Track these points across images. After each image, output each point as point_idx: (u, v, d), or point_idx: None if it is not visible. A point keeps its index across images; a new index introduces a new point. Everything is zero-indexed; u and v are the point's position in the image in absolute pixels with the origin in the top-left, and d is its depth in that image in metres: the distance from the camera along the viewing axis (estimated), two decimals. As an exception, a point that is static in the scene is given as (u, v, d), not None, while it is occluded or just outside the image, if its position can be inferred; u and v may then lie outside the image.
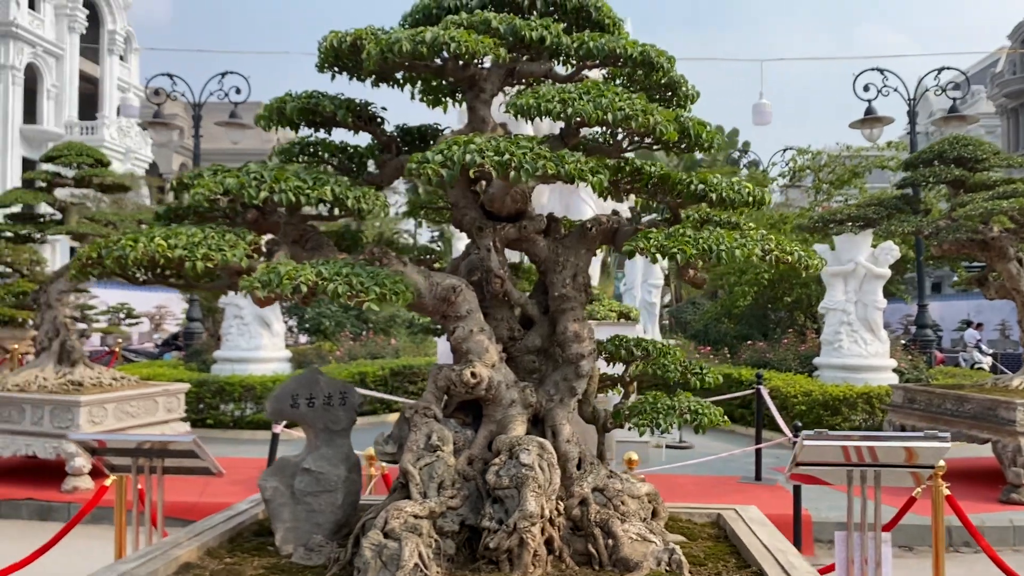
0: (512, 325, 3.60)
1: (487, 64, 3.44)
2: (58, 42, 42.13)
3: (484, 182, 3.37)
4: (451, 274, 3.43)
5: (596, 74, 3.69)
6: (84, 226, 9.69)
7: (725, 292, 21.15)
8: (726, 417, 3.61)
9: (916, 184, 11.47)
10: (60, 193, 10.39)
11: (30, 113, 40.92)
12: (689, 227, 3.14)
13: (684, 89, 3.56)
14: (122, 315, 24.43)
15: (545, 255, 3.54)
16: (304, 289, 2.64)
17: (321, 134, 3.77)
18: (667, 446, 11.91)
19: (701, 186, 3.26)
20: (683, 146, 3.29)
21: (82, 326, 16.53)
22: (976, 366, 21.55)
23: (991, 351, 24.33)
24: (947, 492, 5.39)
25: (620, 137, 3.29)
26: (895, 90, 16.08)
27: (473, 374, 3.20)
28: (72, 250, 30.49)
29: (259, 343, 13.63)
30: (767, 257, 3.12)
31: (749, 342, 16.90)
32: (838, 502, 8.51)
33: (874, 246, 12.54)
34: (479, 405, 3.37)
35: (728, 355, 16.45)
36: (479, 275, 3.50)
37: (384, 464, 6.18)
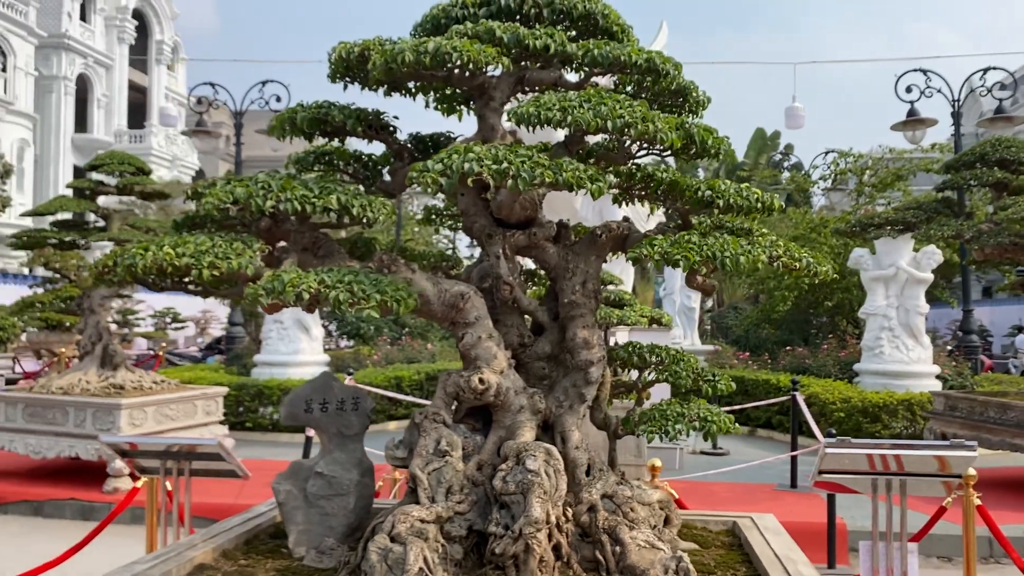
0: (522, 331, 3.62)
1: (496, 72, 3.46)
2: (108, 52, 43.24)
3: (493, 190, 3.39)
4: (461, 281, 3.45)
5: (608, 81, 3.70)
6: (126, 232, 9.94)
7: (766, 297, 20.91)
8: (736, 424, 3.58)
9: (960, 187, 11.24)
10: (106, 201, 10.68)
11: (81, 122, 42.10)
12: (695, 234, 3.13)
13: (695, 95, 3.55)
14: (168, 319, 24.94)
15: (555, 262, 3.56)
16: (306, 296, 2.68)
17: (338, 143, 3.83)
18: (702, 452, 11.83)
19: (708, 192, 3.25)
20: (691, 152, 3.28)
21: (124, 331, 16.93)
22: (1026, 373, 21.01)
23: (1043, 357, 23.68)
24: (978, 502, 5.28)
25: (627, 144, 3.29)
26: (938, 91, 15.77)
27: (481, 380, 3.23)
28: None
29: (298, 347, 13.81)
30: (774, 263, 3.09)
31: (789, 348, 16.68)
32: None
33: (916, 250, 12.31)
34: (489, 411, 3.39)
35: (768, 361, 16.27)
36: (489, 282, 3.53)
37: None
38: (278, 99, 16.39)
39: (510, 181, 2.72)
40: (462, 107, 3.86)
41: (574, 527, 3.21)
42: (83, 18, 42.27)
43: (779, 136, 38.79)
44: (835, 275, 3.32)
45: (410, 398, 12.13)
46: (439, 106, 3.84)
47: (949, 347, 16.81)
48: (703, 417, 3.42)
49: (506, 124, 3.51)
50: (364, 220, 3.05)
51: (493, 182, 2.75)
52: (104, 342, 9.82)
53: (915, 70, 15.73)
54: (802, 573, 3.08)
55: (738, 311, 25.46)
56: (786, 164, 38.98)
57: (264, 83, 16.22)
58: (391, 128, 3.72)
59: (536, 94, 3.43)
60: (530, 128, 2.98)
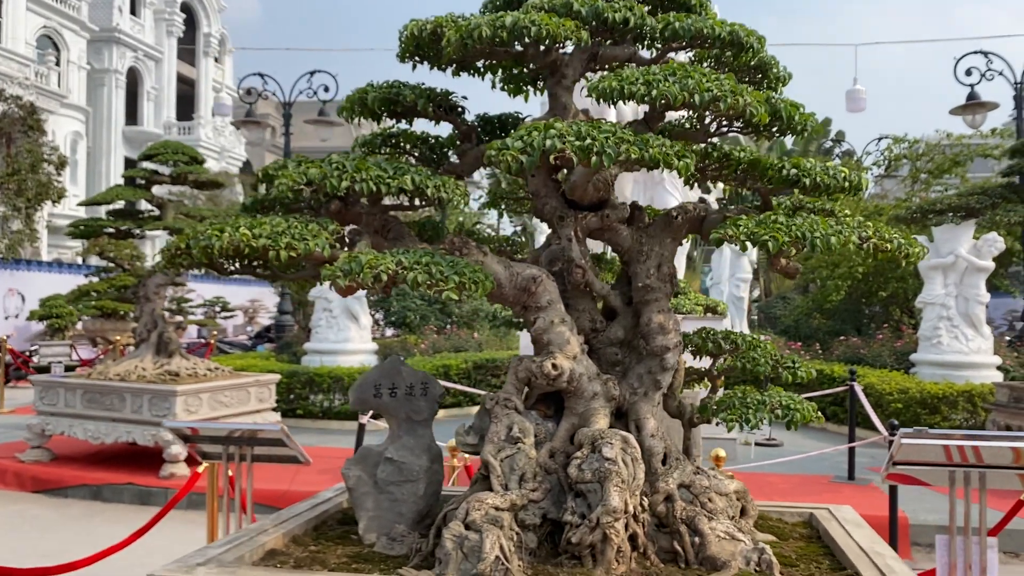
0: (594, 316, 3.52)
1: (568, 49, 3.37)
2: (157, 46, 43.90)
3: (565, 170, 3.30)
4: (532, 264, 3.37)
5: (682, 58, 3.59)
6: (180, 221, 10.05)
7: (817, 286, 20.55)
8: (819, 413, 3.45)
9: (1011, 173, 10.88)
10: (158, 190, 10.79)
11: (131, 115, 42.84)
12: (780, 214, 3.00)
13: (775, 71, 3.41)
14: (217, 308, 25.29)
15: (628, 245, 3.46)
16: (384, 278, 2.63)
17: (402, 125, 3.77)
18: (756, 444, 11.65)
19: (794, 171, 3.11)
20: (775, 129, 3.15)
21: (178, 318, 17.19)
22: (1088, 364, 20.37)
23: (1105, 348, 22.95)
24: (1059, 496, 5.08)
25: (707, 121, 3.18)
26: (1000, 73, 15.27)
27: (554, 366, 3.14)
28: (171, 246, 31.70)
29: (347, 336, 13.88)
30: (864, 245, 2.96)
31: (842, 337, 16.36)
32: (937, 504, 8.16)
33: (976, 237, 11.95)
34: (560, 397, 3.31)
35: (820, 351, 15.96)
36: (560, 265, 3.44)
37: (467, 455, 6.19)
38: (326, 89, 16.44)
39: (594, 158, 2.62)
40: (528, 87, 3.78)
41: (650, 517, 3.13)
42: (133, 12, 42.94)
43: (830, 123, 38.07)
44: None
45: (458, 386, 12.14)
46: (505, 86, 3.76)
47: (1008, 338, 16.35)
48: (785, 405, 3.30)
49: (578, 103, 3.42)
50: (437, 201, 3.00)
51: (577, 159, 2.66)
52: (159, 329, 9.95)
53: (976, 52, 15.25)
54: (892, 567, 2.96)
55: (786, 301, 25.08)
56: (837, 151, 38.23)
57: (312, 73, 16.29)
58: (459, 109, 3.65)
59: (616, 69, 3.31)
60: (612, 104, 2.89)
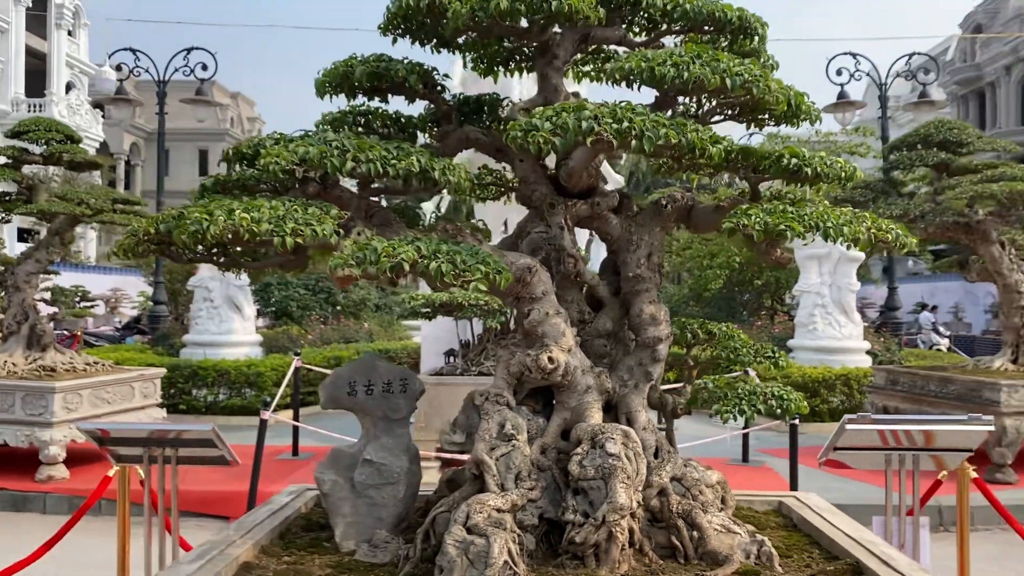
0: (582, 307, 3.41)
1: (559, 29, 3.23)
2: (3, 15, 40.38)
3: (555, 155, 3.17)
4: (523, 253, 3.22)
5: (668, 42, 3.51)
6: (55, 204, 9.22)
7: (691, 275, 21.23)
8: (806, 403, 3.48)
9: (890, 168, 11.53)
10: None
11: (-28, 89, 39.28)
12: (785, 203, 2.98)
13: (764, 58, 3.39)
14: (77, 298, 23.67)
15: (618, 233, 3.36)
16: (406, 267, 2.42)
17: (361, 102, 3.52)
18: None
19: (794, 160, 3.08)
20: (785, 116, 3.11)
21: (53, 310, 15.94)
22: (934, 348, 21.98)
23: (948, 333, 24.82)
24: (974, 474, 5.36)
25: (707, 108, 3.11)
26: (867, 74, 16.23)
27: (550, 359, 3.01)
28: (21, 231, 29.34)
29: (230, 327, 13.24)
30: (868, 234, 2.98)
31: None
32: (829, 484, 8.54)
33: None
34: (549, 391, 3.19)
35: (698, 338, 16.44)
36: (543, 254, 3.31)
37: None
38: (204, 67, 15.56)
39: (634, 141, 2.50)
40: (499, 67, 3.61)
41: (643, 512, 3.05)
42: (-28, -23, 39.42)
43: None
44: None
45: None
46: (476, 66, 3.58)
47: (865, 324, 17.40)
48: (778, 395, 3.30)
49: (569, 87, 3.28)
50: (443, 184, 2.80)
51: (616, 142, 2.52)
52: (31, 321, 9.14)
53: (846, 53, 16.14)
54: (890, 555, 2.99)
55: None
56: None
57: (189, 50, 15.36)
58: (439, 88, 3.44)
59: (603, 53, 3.20)
60: (635, 87, 2.76)
